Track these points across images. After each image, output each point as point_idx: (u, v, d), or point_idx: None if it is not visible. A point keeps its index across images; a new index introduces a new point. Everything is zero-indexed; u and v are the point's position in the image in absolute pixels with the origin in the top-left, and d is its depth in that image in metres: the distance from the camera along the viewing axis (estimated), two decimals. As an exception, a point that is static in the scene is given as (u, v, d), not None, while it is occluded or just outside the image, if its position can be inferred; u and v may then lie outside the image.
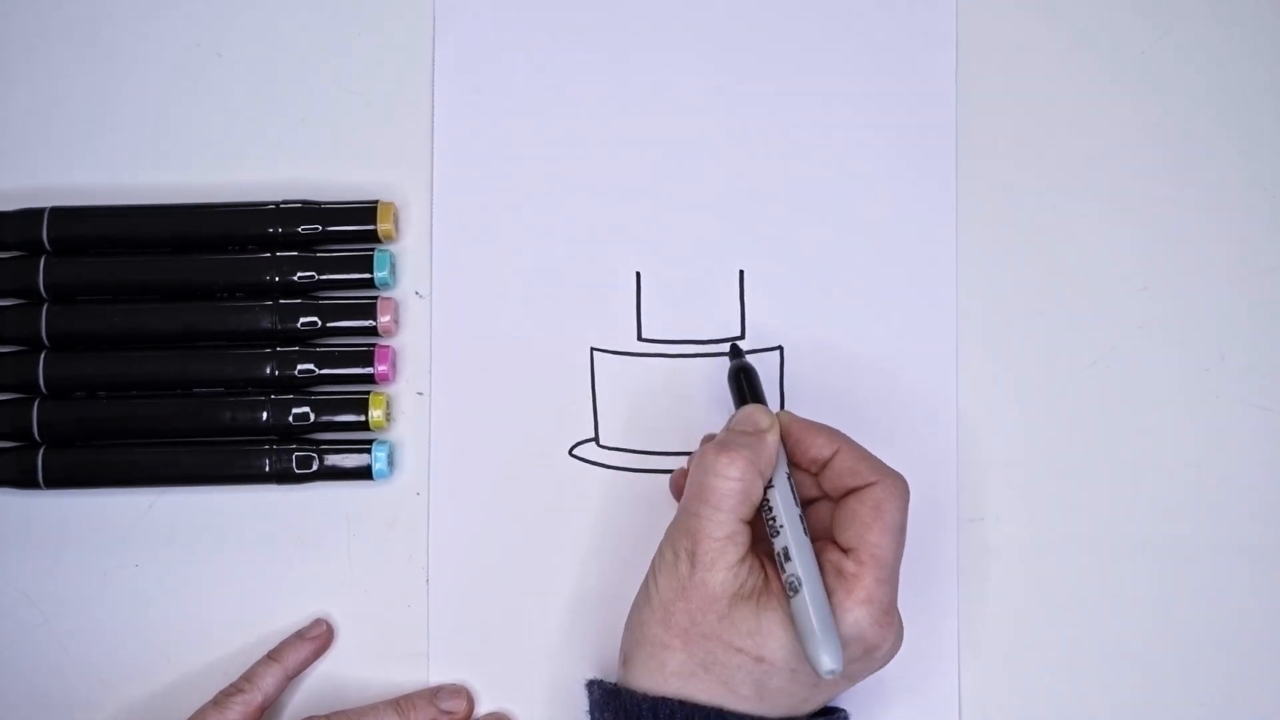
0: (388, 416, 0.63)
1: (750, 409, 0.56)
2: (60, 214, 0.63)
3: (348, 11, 0.66)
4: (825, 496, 0.56)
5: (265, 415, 0.62)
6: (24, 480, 0.62)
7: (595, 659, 0.62)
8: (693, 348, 0.63)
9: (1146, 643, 0.62)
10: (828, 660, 0.50)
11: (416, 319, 0.64)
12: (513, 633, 0.62)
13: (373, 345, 0.63)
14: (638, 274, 0.64)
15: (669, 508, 0.62)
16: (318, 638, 0.62)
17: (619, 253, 0.64)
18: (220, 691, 0.60)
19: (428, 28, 0.65)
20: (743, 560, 0.53)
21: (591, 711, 0.56)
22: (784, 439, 0.56)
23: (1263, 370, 0.63)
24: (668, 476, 0.61)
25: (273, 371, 0.62)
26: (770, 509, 0.54)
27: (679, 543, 0.54)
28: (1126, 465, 0.63)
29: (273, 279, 0.63)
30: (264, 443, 0.63)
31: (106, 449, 0.63)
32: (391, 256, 0.64)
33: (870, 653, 0.53)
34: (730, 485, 0.53)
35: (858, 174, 0.64)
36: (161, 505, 0.64)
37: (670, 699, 0.53)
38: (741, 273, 0.63)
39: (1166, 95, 0.64)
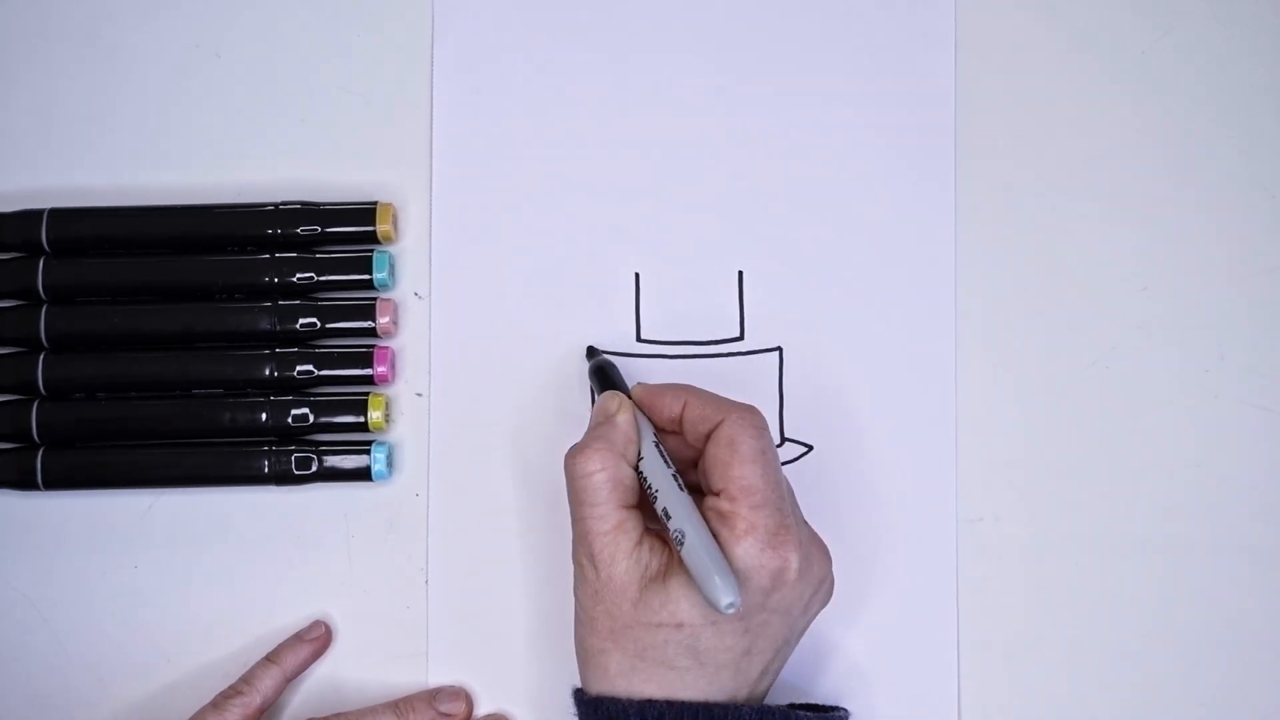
0: (387, 417, 0.63)
1: (599, 400, 0.57)
2: (59, 215, 0.63)
3: (347, 11, 0.66)
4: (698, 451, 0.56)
5: (264, 416, 0.62)
6: (23, 481, 0.62)
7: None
8: (692, 348, 0.63)
9: (1146, 643, 0.62)
10: (723, 595, 0.50)
11: (416, 320, 0.64)
12: (511, 634, 0.62)
13: (372, 346, 0.63)
14: (637, 274, 0.64)
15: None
16: (316, 639, 0.62)
17: (618, 253, 0.64)
18: (219, 694, 0.60)
19: (427, 28, 0.65)
20: (639, 544, 0.53)
21: None
22: (641, 409, 0.57)
23: (1262, 370, 0.63)
24: None
25: (272, 372, 0.62)
26: (646, 480, 0.55)
27: (579, 553, 0.54)
28: (1126, 465, 0.63)
29: (272, 280, 0.63)
30: (263, 444, 0.63)
31: (106, 450, 0.63)
32: (390, 257, 0.64)
33: (779, 579, 0.52)
34: (596, 478, 0.54)
35: (857, 174, 0.64)
36: (161, 506, 0.64)
37: (657, 701, 0.53)
38: (740, 273, 0.63)
39: (1166, 95, 0.64)
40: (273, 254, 0.63)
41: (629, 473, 0.54)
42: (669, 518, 0.53)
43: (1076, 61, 0.64)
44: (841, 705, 0.58)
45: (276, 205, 0.63)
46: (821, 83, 0.64)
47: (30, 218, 0.63)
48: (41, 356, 0.63)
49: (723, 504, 0.53)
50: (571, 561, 0.55)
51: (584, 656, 0.55)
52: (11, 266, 0.63)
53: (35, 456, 0.62)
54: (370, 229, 0.63)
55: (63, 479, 0.62)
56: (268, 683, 0.60)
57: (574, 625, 0.56)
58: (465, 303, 0.64)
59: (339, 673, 0.63)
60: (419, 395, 0.64)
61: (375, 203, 0.63)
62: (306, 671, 0.62)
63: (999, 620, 0.62)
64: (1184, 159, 0.64)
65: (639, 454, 0.55)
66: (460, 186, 0.64)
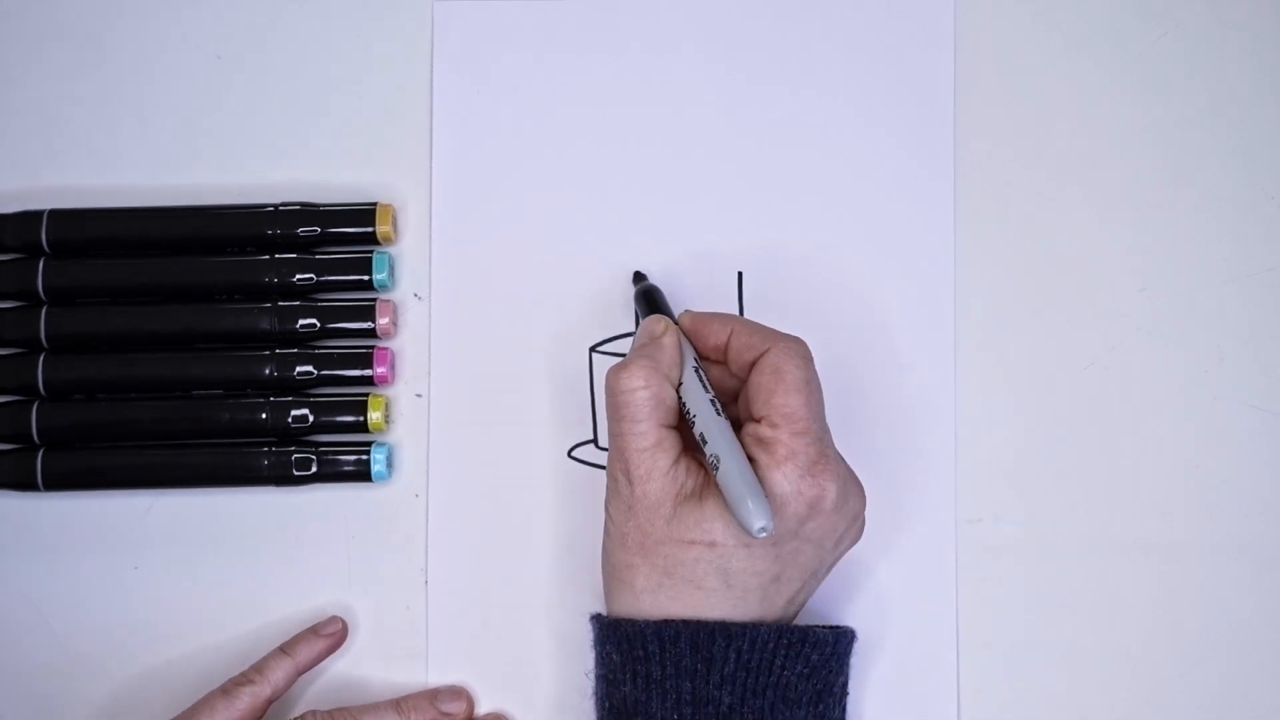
0: (386, 418, 0.63)
1: (645, 322, 0.58)
2: (59, 216, 0.63)
3: (348, 13, 0.66)
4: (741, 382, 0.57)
5: (264, 417, 0.62)
6: (23, 483, 0.62)
7: (593, 659, 0.62)
8: (691, 349, 0.63)
9: (1146, 643, 0.62)
10: (755, 518, 0.51)
11: (415, 321, 0.64)
12: (511, 634, 0.62)
13: (372, 347, 0.63)
14: (636, 274, 0.63)
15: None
16: (333, 635, 0.62)
17: (618, 254, 0.64)
18: (230, 680, 0.59)
19: (427, 29, 0.65)
20: (676, 463, 0.54)
21: (595, 646, 0.56)
22: (687, 335, 0.57)
23: (1262, 370, 0.63)
24: None
25: (272, 373, 0.63)
26: (685, 404, 0.55)
27: (614, 467, 0.55)
28: (1126, 465, 0.63)
29: (272, 281, 0.63)
30: (263, 444, 0.63)
31: (105, 451, 0.63)
32: (390, 258, 0.64)
33: (815, 507, 0.53)
34: (638, 395, 0.54)
35: (857, 174, 0.64)
36: (160, 507, 0.64)
37: (674, 620, 0.53)
38: (740, 274, 0.63)
39: (1166, 95, 0.64)
40: (272, 255, 0.63)
41: (671, 393, 0.55)
42: (705, 442, 0.53)
43: (1076, 61, 0.64)
44: (848, 625, 0.58)
45: (276, 206, 0.63)
46: (821, 82, 0.64)
47: (30, 219, 0.63)
48: (41, 357, 0.63)
49: (764, 430, 0.53)
50: (608, 476, 0.55)
51: (610, 572, 0.56)
52: (12, 267, 0.63)
53: (35, 457, 0.62)
54: (370, 230, 0.63)
55: (63, 480, 0.62)
56: (279, 674, 0.60)
57: (602, 542, 0.56)
58: (465, 303, 0.64)
59: (339, 672, 0.63)
60: (419, 396, 0.64)
61: (375, 203, 0.63)
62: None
63: (999, 620, 0.62)
64: (1184, 159, 0.64)
65: (680, 379, 0.56)
66: (460, 187, 0.64)
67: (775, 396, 0.53)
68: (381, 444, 0.63)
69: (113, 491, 0.63)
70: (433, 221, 0.64)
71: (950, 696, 0.62)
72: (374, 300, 0.63)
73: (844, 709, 0.56)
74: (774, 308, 0.63)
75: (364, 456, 0.62)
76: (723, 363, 0.57)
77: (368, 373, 0.63)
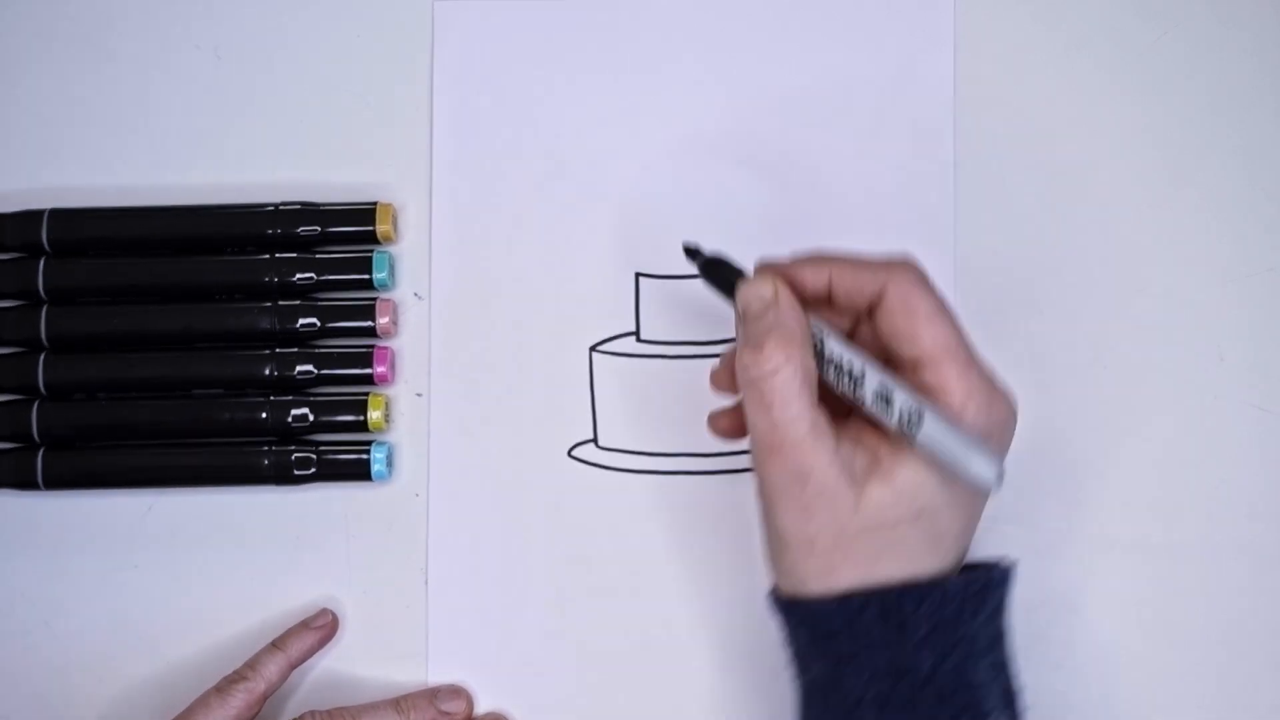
0: (387, 418, 0.63)
1: (744, 290, 0.51)
2: (60, 216, 0.63)
3: (347, 12, 0.66)
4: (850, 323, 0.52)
5: (264, 416, 0.62)
6: (23, 482, 0.62)
7: (595, 657, 0.62)
8: (692, 349, 0.63)
9: (1146, 643, 0.62)
10: (989, 469, 0.46)
11: (415, 320, 0.64)
12: (511, 634, 0.62)
13: (372, 346, 0.63)
14: (637, 275, 0.64)
15: (668, 509, 0.62)
16: (323, 627, 0.62)
17: (618, 253, 0.64)
18: (224, 678, 0.60)
19: (428, 28, 0.65)
20: (839, 444, 0.48)
21: (783, 626, 0.51)
22: None
23: (1262, 370, 0.63)
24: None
25: (272, 373, 0.63)
26: (835, 366, 0.49)
27: (771, 471, 0.48)
28: (1126, 465, 0.63)
29: (272, 280, 0.63)
30: (263, 444, 0.63)
31: (106, 450, 0.63)
32: (390, 258, 0.64)
33: (1003, 440, 0.49)
34: (783, 374, 0.47)
35: (857, 174, 0.64)
36: (161, 506, 0.64)
37: (856, 592, 0.48)
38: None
39: (1166, 95, 0.64)
40: (273, 254, 0.63)
41: (812, 364, 0.48)
42: (888, 401, 0.47)
43: (1076, 61, 0.64)
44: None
45: (276, 206, 0.63)
46: (820, 82, 0.64)
47: (30, 218, 0.63)
48: (42, 357, 0.63)
49: (924, 377, 0.48)
50: (765, 484, 0.49)
51: (802, 579, 0.49)
52: (12, 267, 0.63)
53: (35, 457, 0.62)
54: (370, 229, 0.63)
55: (63, 479, 0.62)
56: (272, 669, 0.60)
57: (771, 558, 0.50)
58: (465, 303, 0.64)
59: (339, 672, 0.63)
60: (419, 395, 0.64)
61: (375, 203, 0.63)
62: (307, 666, 0.62)
63: (999, 620, 0.62)
64: (1184, 159, 0.64)
65: (815, 341, 0.49)
66: (460, 187, 0.64)
67: (920, 335, 0.48)
68: (381, 443, 0.63)
69: (113, 491, 0.63)
70: (433, 221, 0.64)
71: (950, 696, 0.62)
72: (374, 300, 0.63)
73: (1011, 651, 0.51)
74: (774, 307, 0.63)
75: (364, 456, 0.62)
76: (822, 313, 0.51)
77: (368, 372, 0.63)
